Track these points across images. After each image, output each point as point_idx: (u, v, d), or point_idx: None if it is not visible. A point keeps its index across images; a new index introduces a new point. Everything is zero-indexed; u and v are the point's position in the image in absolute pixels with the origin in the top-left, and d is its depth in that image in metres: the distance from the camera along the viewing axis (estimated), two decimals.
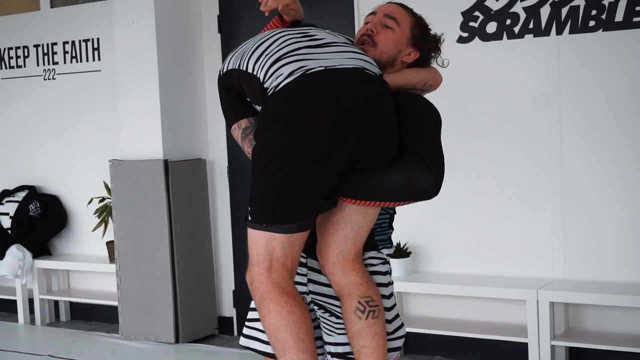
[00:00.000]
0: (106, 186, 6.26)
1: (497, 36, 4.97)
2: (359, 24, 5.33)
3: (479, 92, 5.04)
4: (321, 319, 2.76)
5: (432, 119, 2.73)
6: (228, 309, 6.16)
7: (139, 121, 5.91)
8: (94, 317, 6.75)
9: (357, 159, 2.51)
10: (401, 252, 5.11)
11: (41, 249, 6.75)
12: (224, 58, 6.01)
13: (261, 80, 2.56)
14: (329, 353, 2.75)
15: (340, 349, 2.72)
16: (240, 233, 6.03)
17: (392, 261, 4.47)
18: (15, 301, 6.81)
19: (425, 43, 2.82)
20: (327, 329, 2.75)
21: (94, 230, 6.39)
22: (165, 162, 5.78)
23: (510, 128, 4.97)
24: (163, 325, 5.87)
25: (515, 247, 4.97)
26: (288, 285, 2.53)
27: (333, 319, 2.71)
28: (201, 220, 6.07)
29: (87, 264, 6.51)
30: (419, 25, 2.82)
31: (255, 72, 2.60)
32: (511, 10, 4.90)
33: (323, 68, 2.50)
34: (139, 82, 5.88)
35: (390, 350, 2.69)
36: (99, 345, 5.93)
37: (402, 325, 2.78)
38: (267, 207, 2.49)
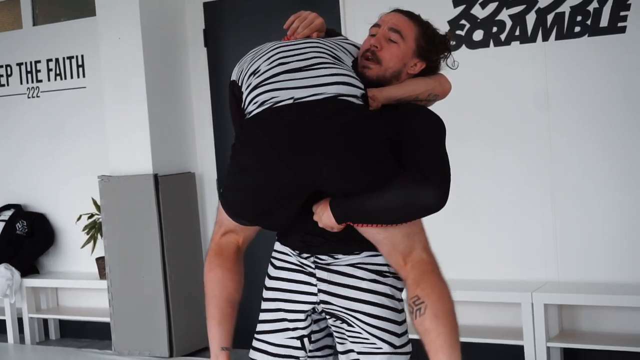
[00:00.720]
0: (95, 202, 6.25)
1: (483, 44, 5.04)
2: (345, 28, 5.38)
3: (468, 99, 5.09)
4: (333, 327, 2.77)
5: (432, 129, 2.67)
6: None
7: (127, 136, 5.91)
8: (84, 334, 6.72)
9: (329, 190, 2.52)
10: None
11: (29, 268, 6.72)
12: (210, 72, 6.04)
13: (243, 102, 2.61)
14: None
15: (350, 358, 2.73)
16: None
17: None
18: (4, 321, 6.76)
19: (431, 53, 2.75)
20: (339, 338, 2.77)
21: (82, 247, 6.37)
22: (155, 176, 5.79)
23: (500, 134, 5.04)
24: (157, 340, 5.87)
25: (508, 250, 5.04)
26: (228, 250, 2.80)
27: (345, 326, 2.71)
28: (192, 234, 6.08)
29: (77, 281, 6.49)
30: (425, 36, 2.74)
31: (242, 91, 2.65)
32: (497, 17, 4.98)
33: (292, 101, 2.47)
34: (127, 98, 5.89)
35: None
36: None
37: (409, 341, 2.74)
38: (231, 202, 2.63)
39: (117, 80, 5.92)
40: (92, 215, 6.29)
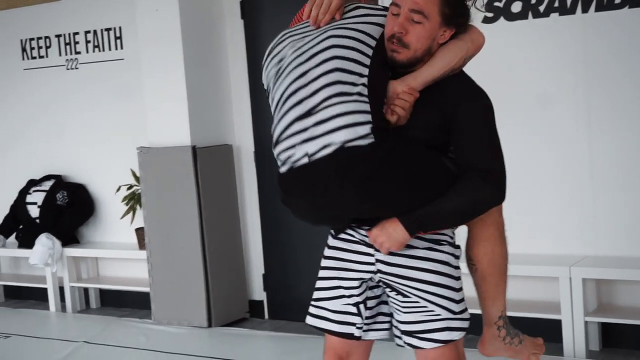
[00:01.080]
0: (133, 173, 6.32)
1: (522, 15, 4.99)
2: None
3: (506, 71, 5.05)
4: (390, 297, 2.81)
5: (481, 117, 2.66)
6: (258, 293, 6.23)
7: (165, 108, 5.96)
8: (124, 303, 6.83)
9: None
10: None
11: (70, 238, 6.82)
12: (247, 44, 6.05)
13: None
14: (399, 330, 2.81)
15: (407, 327, 2.76)
16: (268, 217, 6.09)
17: None
18: (45, 289, 6.89)
19: (457, 18, 2.65)
20: (395, 308, 2.80)
21: (122, 217, 6.45)
22: (193, 148, 5.83)
23: (538, 106, 5.00)
24: (195, 310, 5.94)
25: (546, 225, 5.01)
26: None
27: (399, 297, 2.75)
28: (230, 205, 6.12)
29: (117, 251, 6.58)
30: (447, 4, 2.61)
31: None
32: None
33: (307, 159, 2.55)
34: (165, 70, 5.92)
35: (456, 329, 2.75)
36: (132, 331, 6.01)
37: (466, 309, 2.81)
38: (294, 213, 2.84)
39: (155, 52, 5.95)
40: (131, 187, 6.36)
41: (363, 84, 2.56)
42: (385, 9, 2.73)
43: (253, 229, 6.19)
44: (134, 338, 5.83)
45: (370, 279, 2.78)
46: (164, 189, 5.99)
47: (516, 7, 4.99)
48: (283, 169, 2.64)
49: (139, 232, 6.33)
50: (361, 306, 2.79)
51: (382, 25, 2.68)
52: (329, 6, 2.71)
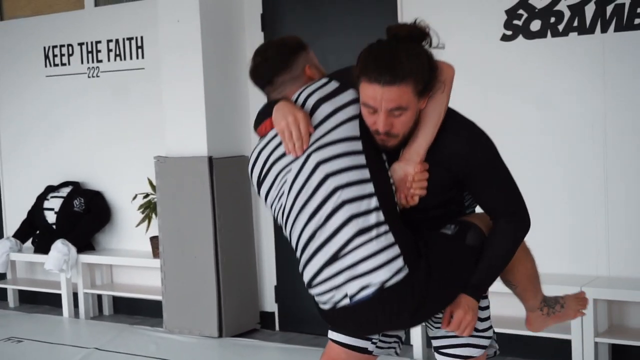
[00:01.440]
0: (150, 182, 6.36)
1: (541, 34, 4.99)
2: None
3: (524, 89, 5.06)
4: None
5: (487, 160, 2.67)
6: (270, 304, 6.24)
7: (183, 118, 6.00)
8: (137, 311, 6.86)
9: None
10: None
11: (85, 244, 6.86)
12: None
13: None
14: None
15: (435, 343, 2.84)
16: (281, 230, 6.09)
17: None
18: (59, 295, 6.93)
19: (430, 84, 2.57)
20: (429, 325, 2.86)
21: (137, 225, 6.48)
22: (210, 159, 5.87)
23: (554, 124, 4.99)
24: (207, 320, 5.96)
25: (558, 244, 4.99)
26: None
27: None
28: (244, 217, 6.14)
29: (131, 259, 6.61)
30: (420, 79, 2.53)
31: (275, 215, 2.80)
32: (555, 8, 4.92)
33: (349, 301, 2.56)
34: (184, 80, 5.97)
35: (477, 346, 2.79)
36: (143, 339, 6.04)
37: (491, 327, 2.84)
38: None
39: (175, 62, 6.00)
40: (147, 195, 6.39)
41: (376, 208, 2.53)
42: (331, 77, 2.68)
43: (266, 241, 6.21)
44: (144, 346, 5.85)
45: None
46: (179, 199, 6.03)
47: (535, 26, 5.00)
48: (325, 307, 2.66)
49: (154, 240, 6.36)
50: None
51: (354, 116, 2.59)
52: (299, 131, 2.60)
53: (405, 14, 5.39)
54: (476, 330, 2.75)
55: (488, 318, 2.81)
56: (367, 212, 2.53)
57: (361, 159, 2.56)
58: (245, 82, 6.16)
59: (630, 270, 4.80)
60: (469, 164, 2.64)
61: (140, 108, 6.65)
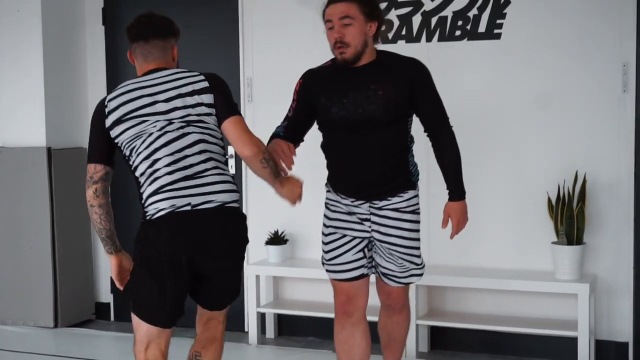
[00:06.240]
0: None
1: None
2: (242, 28, 5.60)
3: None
4: (378, 251, 3.75)
5: (432, 82, 3.70)
6: (105, 295, 6.31)
7: (21, 109, 5.99)
8: None
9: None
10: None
11: None
12: (107, 49, 6.15)
13: (142, 199, 3.30)
14: (380, 271, 3.80)
15: (386, 272, 3.77)
16: (119, 221, 6.14)
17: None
18: None
19: (376, 11, 3.56)
20: (380, 258, 3.76)
21: None
22: (49, 149, 5.89)
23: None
24: (42, 310, 5.98)
25: None
26: None
27: (384, 253, 3.72)
28: (82, 208, 6.12)
29: None
30: (364, 4, 3.49)
31: (140, 181, 3.27)
32: (386, 17, 5.25)
33: (190, 208, 3.18)
34: (23, 71, 5.97)
35: (415, 276, 3.83)
36: None
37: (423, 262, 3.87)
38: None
39: (14, 52, 5.98)
40: None
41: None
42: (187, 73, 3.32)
43: None
44: None
45: (368, 238, 3.73)
46: (16, 189, 6.01)
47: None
48: (160, 214, 3.19)
49: None
50: (365, 249, 3.72)
51: (204, 89, 3.25)
52: (282, 152, 3.44)
53: (246, 19, 5.60)
54: (416, 265, 3.74)
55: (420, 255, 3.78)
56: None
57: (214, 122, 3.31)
58: (86, 74, 6.22)
59: (448, 258, 5.20)
60: (419, 86, 3.61)
61: None
